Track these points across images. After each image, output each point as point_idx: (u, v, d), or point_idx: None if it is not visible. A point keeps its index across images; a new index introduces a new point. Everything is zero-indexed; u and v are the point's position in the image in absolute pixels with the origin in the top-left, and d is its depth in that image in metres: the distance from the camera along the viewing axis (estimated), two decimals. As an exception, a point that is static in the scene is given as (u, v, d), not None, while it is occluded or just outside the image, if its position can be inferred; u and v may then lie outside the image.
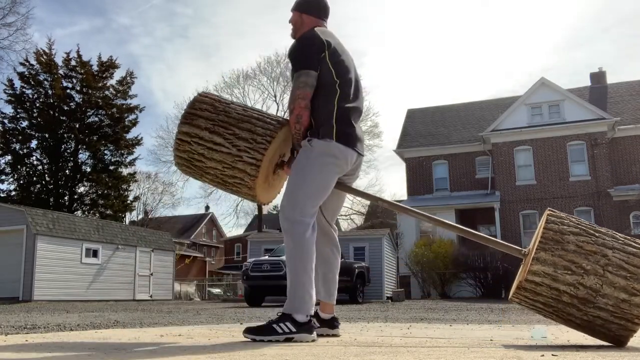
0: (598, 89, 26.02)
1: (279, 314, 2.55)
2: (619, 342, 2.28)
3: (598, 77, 26.75)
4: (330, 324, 2.93)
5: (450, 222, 2.92)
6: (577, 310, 2.27)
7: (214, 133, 2.69)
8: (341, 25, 60.50)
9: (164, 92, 67.35)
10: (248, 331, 2.53)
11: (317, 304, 2.82)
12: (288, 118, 2.75)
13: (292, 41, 2.89)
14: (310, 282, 2.57)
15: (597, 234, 2.35)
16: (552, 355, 1.92)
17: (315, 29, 2.78)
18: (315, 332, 2.57)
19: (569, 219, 2.42)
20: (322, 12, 2.90)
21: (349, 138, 2.71)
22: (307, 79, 2.63)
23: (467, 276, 19.39)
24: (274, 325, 2.48)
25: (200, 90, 3.05)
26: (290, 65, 2.83)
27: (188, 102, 2.86)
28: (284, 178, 2.99)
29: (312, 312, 2.60)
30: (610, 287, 2.22)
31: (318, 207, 2.73)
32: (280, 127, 2.73)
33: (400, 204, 3.05)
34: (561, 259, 2.27)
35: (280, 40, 64.56)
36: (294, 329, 2.46)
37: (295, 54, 2.74)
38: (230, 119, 2.72)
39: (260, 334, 2.48)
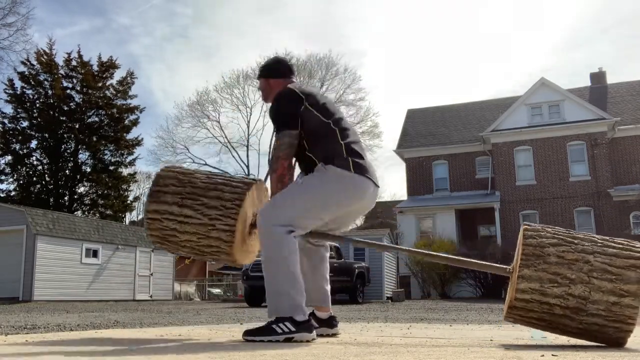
0: (598, 89, 26.02)
1: (272, 316, 2.52)
2: (618, 344, 2.29)
3: (598, 77, 26.76)
4: (329, 323, 2.94)
5: (433, 253, 2.95)
6: (571, 320, 2.27)
7: (183, 206, 2.70)
8: (341, 26, 60.55)
9: (164, 92, 67.42)
10: (247, 333, 2.52)
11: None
12: (264, 177, 2.76)
13: None
14: (297, 280, 2.55)
15: (575, 241, 2.35)
16: (552, 355, 1.92)
17: (288, 85, 2.81)
18: (314, 331, 2.57)
19: (545, 230, 2.42)
20: (287, 72, 2.93)
21: (365, 169, 2.69)
22: (288, 139, 2.66)
23: (467, 276, 19.39)
24: (274, 326, 2.47)
25: (165, 165, 3.01)
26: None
27: (153, 178, 2.86)
28: None
29: (306, 311, 2.59)
30: (598, 292, 2.23)
31: (304, 229, 2.66)
32: (248, 188, 2.75)
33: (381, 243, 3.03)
34: (545, 272, 2.28)
35: (281, 40, 64.63)
36: (293, 329, 2.46)
37: (274, 115, 2.76)
38: (197, 189, 2.73)
39: (260, 335, 2.48)
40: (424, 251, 2.99)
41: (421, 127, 27.46)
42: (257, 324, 2.79)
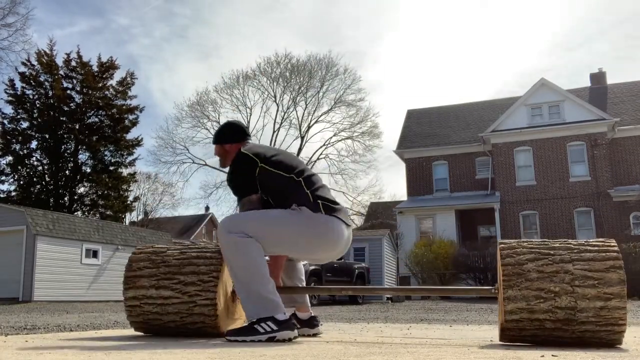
0: (598, 90, 26.03)
1: (252, 319, 2.52)
2: (613, 345, 2.30)
3: (598, 78, 26.77)
4: (310, 324, 2.96)
5: (421, 287, 3.00)
6: (564, 331, 2.28)
7: (161, 288, 2.69)
8: (340, 26, 60.57)
9: (163, 93, 67.40)
10: (230, 333, 2.52)
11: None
12: None
13: None
14: (269, 280, 2.56)
15: (552, 252, 2.35)
16: (552, 355, 1.92)
17: (242, 149, 2.81)
18: (296, 330, 2.57)
19: (520, 246, 2.42)
20: (241, 135, 2.95)
21: (336, 212, 2.68)
22: (250, 205, 2.69)
23: (467, 277, 19.40)
24: (256, 326, 2.48)
25: (136, 248, 2.98)
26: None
27: (126, 264, 2.84)
28: None
29: (285, 310, 2.59)
30: (584, 300, 2.23)
31: (269, 252, 2.66)
32: (222, 257, 2.73)
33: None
34: (529, 290, 2.28)
35: (281, 40, 64.63)
36: (275, 327, 2.46)
37: (232, 183, 2.78)
38: (172, 268, 2.72)
39: (242, 335, 2.48)
40: (404, 287, 3.03)
41: (421, 127, 27.47)
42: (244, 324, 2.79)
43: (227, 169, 2.87)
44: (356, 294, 2.93)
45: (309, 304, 3.05)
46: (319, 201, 2.65)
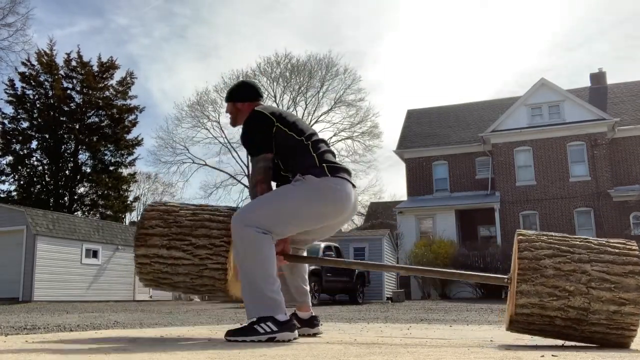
0: (598, 90, 26.02)
1: (253, 318, 2.51)
2: (621, 348, 2.29)
3: (598, 78, 26.76)
4: (311, 323, 2.96)
5: (431, 269, 2.93)
6: (574, 330, 2.27)
7: (172, 248, 2.67)
8: (340, 26, 60.54)
9: (163, 93, 67.39)
10: (230, 334, 2.51)
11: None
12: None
13: None
14: (276, 280, 2.55)
15: (571, 250, 2.32)
16: (552, 355, 1.92)
17: (256, 108, 2.80)
18: (296, 331, 2.57)
19: (539, 240, 2.38)
20: (255, 94, 2.93)
21: (342, 172, 2.70)
22: (264, 163, 2.68)
23: (467, 277, 19.37)
24: (256, 326, 2.46)
25: (149, 204, 2.97)
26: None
27: (138, 221, 2.84)
28: None
29: (286, 311, 2.58)
30: (597, 302, 2.20)
31: (280, 235, 2.64)
32: None
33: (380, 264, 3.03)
34: (543, 286, 2.25)
35: (280, 41, 64.60)
36: (275, 328, 2.45)
37: (246, 141, 2.76)
38: (184, 229, 2.70)
39: (242, 335, 2.47)
40: (421, 267, 2.99)
41: (421, 127, 27.47)
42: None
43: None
44: (367, 269, 2.95)
45: (310, 304, 3.05)
46: (324, 164, 2.67)
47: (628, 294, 2.19)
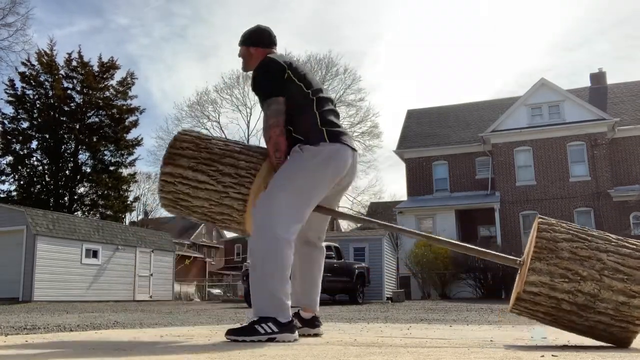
0: (598, 90, 26.02)
1: (255, 318, 2.50)
2: (622, 344, 2.28)
3: (598, 78, 26.77)
4: (311, 324, 2.95)
5: (443, 238, 2.90)
6: (578, 316, 2.26)
7: (198, 171, 2.67)
8: (340, 26, 60.53)
9: (162, 93, 67.41)
10: (230, 333, 2.51)
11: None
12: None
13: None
14: (287, 283, 2.54)
15: (589, 238, 2.34)
16: (552, 355, 1.92)
17: (268, 55, 2.81)
18: (297, 332, 2.56)
19: (559, 225, 2.40)
20: (269, 41, 2.93)
21: (341, 136, 2.72)
22: (277, 106, 2.65)
23: (467, 277, 19.40)
24: (256, 326, 2.46)
25: (183, 129, 2.98)
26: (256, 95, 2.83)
27: (170, 141, 2.83)
28: None
29: (290, 313, 2.57)
30: (608, 291, 2.21)
31: (304, 219, 2.63)
32: (264, 158, 2.73)
33: (391, 225, 3.02)
34: (557, 267, 2.26)
35: (280, 40, 64.61)
36: (276, 329, 2.45)
37: (258, 85, 2.75)
38: (213, 155, 2.71)
39: (242, 335, 2.46)
40: (435, 237, 2.96)
41: (421, 127, 27.47)
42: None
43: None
44: (382, 227, 2.93)
45: (316, 306, 3.01)
46: (324, 128, 2.68)
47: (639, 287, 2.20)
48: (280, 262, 2.50)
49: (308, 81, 2.75)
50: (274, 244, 2.51)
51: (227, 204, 2.65)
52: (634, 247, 2.33)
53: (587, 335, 2.33)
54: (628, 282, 2.21)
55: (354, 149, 2.77)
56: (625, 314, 2.20)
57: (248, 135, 35.66)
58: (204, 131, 34.98)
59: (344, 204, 36.15)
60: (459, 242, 2.82)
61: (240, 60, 2.98)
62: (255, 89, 2.78)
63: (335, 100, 35.14)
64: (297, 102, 2.70)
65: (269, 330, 2.44)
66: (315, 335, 2.95)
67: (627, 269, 2.23)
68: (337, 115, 2.82)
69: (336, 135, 2.69)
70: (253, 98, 35.85)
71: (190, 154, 2.72)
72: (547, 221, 2.43)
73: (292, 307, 2.64)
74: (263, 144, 2.82)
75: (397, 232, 3.00)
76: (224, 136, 35.02)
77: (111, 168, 29.94)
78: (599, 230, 2.46)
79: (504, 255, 2.71)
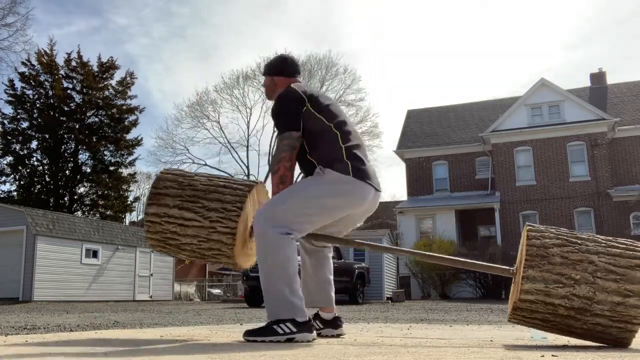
0: (598, 90, 26.03)
1: (272, 319, 2.50)
2: (622, 344, 2.29)
3: (598, 78, 26.77)
4: (334, 324, 2.93)
5: (435, 254, 2.87)
6: (576, 320, 2.27)
7: (184, 209, 2.67)
8: (340, 26, 60.54)
9: (162, 93, 67.41)
10: (248, 334, 2.51)
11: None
12: (262, 180, 2.75)
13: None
14: (296, 281, 2.53)
15: (579, 241, 2.35)
16: (552, 355, 1.92)
17: (292, 85, 2.77)
18: (315, 332, 2.56)
19: (548, 231, 2.41)
20: (293, 70, 2.90)
21: (366, 173, 2.64)
22: (290, 141, 2.62)
23: (467, 277, 19.39)
24: (275, 326, 2.46)
25: (164, 168, 2.98)
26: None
27: (152, 181, 2.83)
28: None
29: (306, 311, 2.57)
30: (603, 292, 2.22)
31: (304, 231, 2.62)
32: (249, 190, 2.73)
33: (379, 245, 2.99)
34: (550, 273, 2.27)
35: (280, 41, 64.59)
36: (294, 329, 2.45)
37: (276, 116, 2.72)
38: (197, 192, 2.71)
39: (261, 335, 2.47)
40: (426, 253, 2.96)
41: (421, 127, 27.47)
42: (258, 325, 2.79)
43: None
44: (379, 250, 2.88)
45: (334, 304, 2.99)
46: (349, 162, 2.61)
47: (633, 285, 2.21)
48: (280, 259, 2.50)
49: (331, 113, 2.70)
50: (276, 244, 2.50)
51: (215, 239, 2.64)
52: (624, 246, 2.34)
53: (587, 338, 2.34)
54: (622, 282, 2.22)
55: (377, 189, 2.70)
56: (622, 314, 2.21)
57: (248, 135, 35.68)
58: (207, 124, 34.96)
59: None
60: (450, 257, 2.82)
61: (263, 89, 2.97)
62: (274, 119, 2.74)
63: (335, 100, 35.29)
64: (319, 134, 2.66)
65: (288, 331, 2.44)
66: (339, 335, 2.91)
67: (619, 269, 2.25)
68: (363, 151, 2.74)
69: (361, 172, 2.62)
70: (253, 98, 35.90)
71: (174, 192, 2.72)
72: (536, 228, 2.44)
73: (308, 308, 2.64)
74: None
75: (394, 253, 2.98)
76: (223, 137, 35.02)
77: (111, 168, 29.94)
78: (588, 233, 2.48)
79: (495, 265, 2.73)
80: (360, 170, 2.62)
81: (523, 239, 2.45)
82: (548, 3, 59.09)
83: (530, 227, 2.44)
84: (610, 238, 2.41)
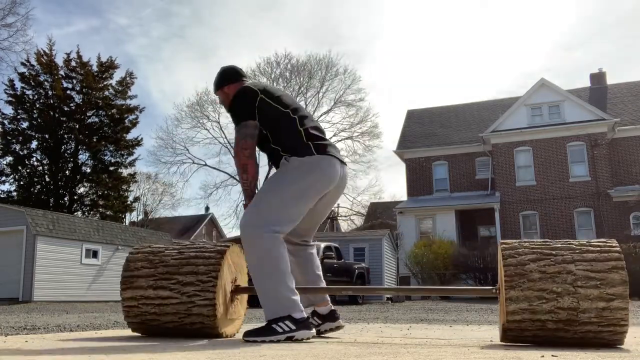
0: (598, 90, 26.03)
1: (269, 318, 2.52)
2: (615, 346, 2.30)
3: (598, 78, 26.77)
4: (332, 317, 2.95)
5: (423, 287, 3.06)
6: (566, 332, 2.28)
7: (159, 288, 2.66)
8: (340, 26, 60.57)
9: (162, 93, 67.36)
10: (248, 334, 2.52)
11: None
12: (227, 238, 2.77)
13: None
14: (289, 278, 2.56)
15: (554, 252, 2.35)
16: (552, 355, 1.92)
17: (242, 85, 2.88)
18: (314, 329, 2.58)
19: (522, 246, 2.42)
20: (238, 76, 2.98)
21: (328, 148, 2.75)
22: (247, 129, 2.70)
23: (467, 277, 19.40)
24: (274, 325, 2.48)
25: (133, 248, 2.95)
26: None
27: (123, 264, 2.81)
28: (244, 302, 3.00)
29: (302, 307, 2.59)
30: (586, 300, 2.23)
31: (290, 223, 2.66)
32: (222, 257, 2.72)
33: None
34: (531, 290, 2.28)
35: (280, 41, 64.61)
36: (293, 327, 2.47)
37: (232, 111, 2.80)
38: (170, 268, 2.70)
39: (261, 335, 2.48)
40: (404, 287, 3.07)
41: (421, 127, 27.48)
42: (257, 325, 2.79)
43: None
44: (356, 294, 2.99)
45: (328, 298, 3.02)
46: (310, 142, 2.71)
47: (614, 288, 2.22)
48: (271, 258, 2.53)
49: (284, 102, 2.80)
50: (265, 244, 2.54)
51: (195, 312, 2.62)
52: (598, 249, 2.34)
53: (581, 347, 2.35)
54: (602, 287, 2.23)
55: (342, 162, 2.80)
56: (609, 318, 2.22)
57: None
58: (207, 124, 34.96)
59: (344, 204, 36.17)
60: (434, 287, 2.94)
61: (222, 106, 3.06)
62: (231, 115, 2.82)
63: (335, 100, 35.34)
64: (277, 121, 2.75)
65: (287, 329, 2.47)
66: (338, 328, 2.96)
67: (597, 274, 2.26)
68: (321, 130, 2.86)
69: (323, 148, 2.73)
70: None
71: (147, 272, 2.70)
72: (510, 245, 2.44)
73: (305, 307, 2.65)
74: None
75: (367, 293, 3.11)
76: (224, 137, 35.02)
77: (111, 168, 29.92)
78: (562, 240, 2.47)
79: (479, 287, 2.83)
80: (321, 147, 2.73)
81: (499, 257, 2.46)
82: (548, 3, 59.12)
83: (504, 246, 2.44)
84: (585, 241, 2.42)
